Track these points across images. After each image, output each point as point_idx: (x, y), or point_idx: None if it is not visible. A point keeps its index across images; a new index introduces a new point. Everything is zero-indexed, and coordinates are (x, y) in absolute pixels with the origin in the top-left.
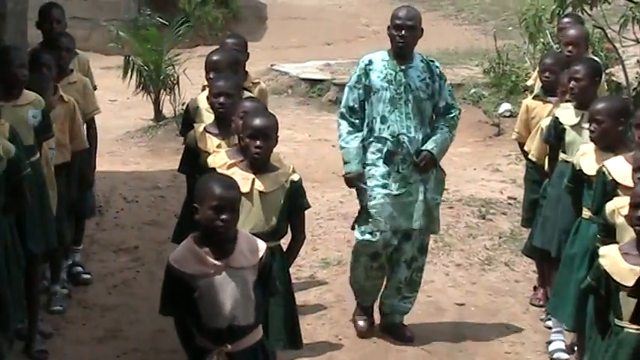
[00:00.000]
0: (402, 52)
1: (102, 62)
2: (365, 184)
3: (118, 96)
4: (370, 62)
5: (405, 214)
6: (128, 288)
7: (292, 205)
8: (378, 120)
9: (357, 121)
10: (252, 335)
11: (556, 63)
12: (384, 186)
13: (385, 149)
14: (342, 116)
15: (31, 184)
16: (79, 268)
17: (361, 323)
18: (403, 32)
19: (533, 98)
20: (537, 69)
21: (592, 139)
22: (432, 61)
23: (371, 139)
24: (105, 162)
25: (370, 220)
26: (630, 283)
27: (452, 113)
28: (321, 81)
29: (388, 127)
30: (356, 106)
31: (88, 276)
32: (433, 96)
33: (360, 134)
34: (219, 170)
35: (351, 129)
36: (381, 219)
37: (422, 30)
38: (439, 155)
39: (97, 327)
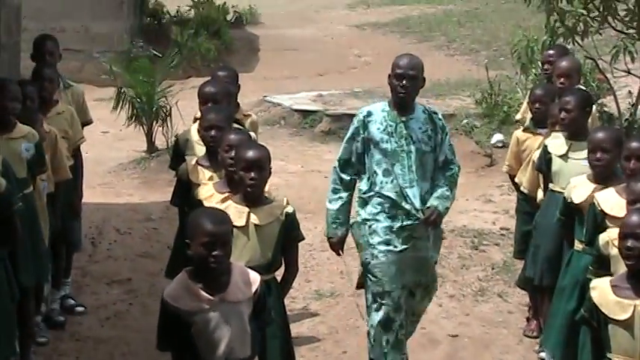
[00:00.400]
0: (403, 103)
1: (94, 94)
2: (342, 250)
3: (110, 128)
4: (369, 114)
5: (411, 269)
6: (121, 320)
7: (287, 238)
8: (380, 173)
9: (349, 177)
10: None
11: (546, 94)
12: (387, 242)
13: (388, 204)
14: (334, 170)
15: (23, 218)
16: (72, 301)
17: None
18: (404, 82)
19: (524, 130)
20: (527, 101)
21: (597, 169)
22: (435, 112)
23: (372, 193)
24: (98, 194)
25: (374, 279)
26: (618, 316)
27: (452, 170)
28: (313, 112)
29: (391, 181)
30: (353, 159)
31: (81, 308)
32: (435, 149)
33: (345, 195)
34: (213, 204)
35: (337, 186)
36: (386, 279)
37: (424, 79)
38: (444, 213)
39: None
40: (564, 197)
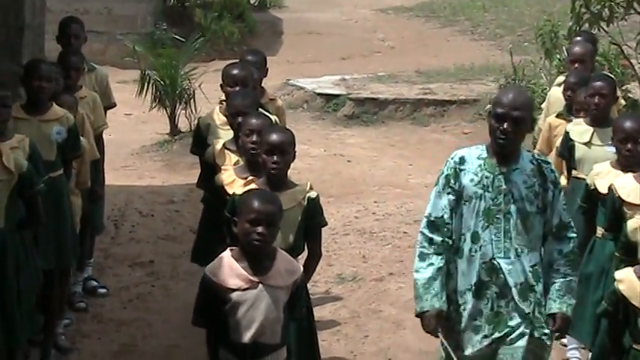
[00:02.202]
0: (503, 151)
1: (118, 76)
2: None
3: (133, 110)
4: (462, 160)
5: None
6: (143, 302)
7: (309, 223)
8: (468, 238)
9: (440, 239)
10: (276, 355)
11: (579, 82)
12: (475, 329)
13: (475, 278)
14: (421, 232)
15: (48, 200)
16: (94, 282)
17: None
18: (506, 126)
19: (557, 116)
20: (550, 93)
21: (628, 159)
22: (547, 162)
23: (457, 262)
24: (120, 176)
25: None
26: None
27: (570, 241)
28: (336, 96)
29: (480, 248)
30: (445, 216)
31: (104, 290)
32: (544, 209)
33: (436, 260)
34: (235, 189)
35: (425, 250)
36: None
37: (534, 120)
38: (571, 309)
39: (112, 341)
40: (587, 184)
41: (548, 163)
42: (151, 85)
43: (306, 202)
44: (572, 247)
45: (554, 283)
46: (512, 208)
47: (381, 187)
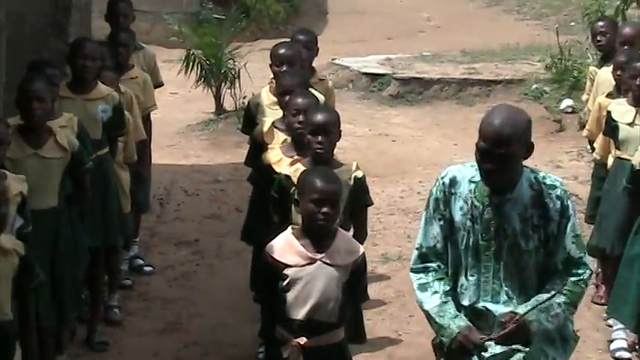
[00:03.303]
0: (495, 185)
1: (163, 55)
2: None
3: (179, 89)
4: (453, 182)
5: None
6: (188, 281)
7: (355, 202)
8: (462, 273)
9: (436, 264)
10: (332, 335)
11: (629, 61)
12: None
13: (466, 319)
14: (412, 266)
15: (95, 178)
16: (140, 261)
17: None
18: (488, 162)
19: (607, 96)
20: (588, 78)
21: None
22: (553, 187)
23: (451, 298)
24: (166, 155)
25: None
26: None
27: (579, 274)
28: (381, 75)
29: (468, 288)
30: (438, 245)
31: (149, 268)
32: (544, 245)
33: (441, 284)
34: (281, 167)
35: (424, 280)
36: None
37: (532, 145)
38: (537, 328)
39: (157, 319)
40: (632, 165)
41: (555, 187)
42: (196, 64)
43: (352, 182)
44: (579, 278)
45: (539, 297)
46: (504, 245)
47: (425, 167)
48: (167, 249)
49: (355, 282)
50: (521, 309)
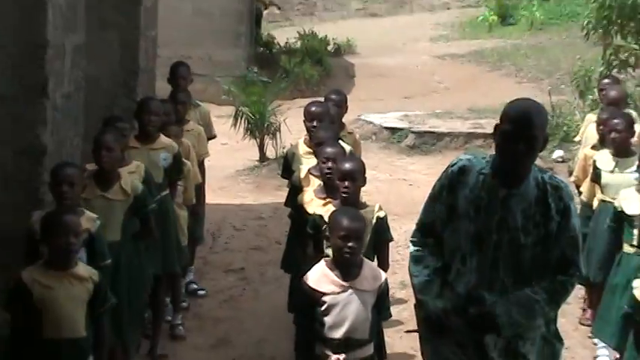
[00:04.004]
0: (507, 171)
1: (215, 111)
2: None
3: (228, 140)
4: (462, 171)
5: None
6: (235, 303)
7: (378, 238)
8: (458, 258)
9: (433, 239)
10: (365, 349)
11: (610, 118)
12: (462, 347)
13: (460, 303)
14: (412, 237)
15: (157, 216)
16: (195, 285)
17: None
18: (512, 145)
19: (592, 148)
20: (584, 125)
21: None
22: (557, 187)
23: (447, 281)
24: (217, 196)
25: None
26: None
27: (570, 274)
28: (400, 129)
29: (464, 275)
30: (437, 223)
31: (203, 292)
32: (543, 242)
33: (434, 259)
34: (314, 207)
35: (420, 252)
36: None
37: (546, 138)
38: (508, 323)
39: (210, 335)
40: (615, 207)
41: (560, 189)
42: (243, 119)
43: (375, 220)
44: (565, 279)
45: (519, 292)
46: (505, 237)
47: None
48: (218, 275)
49: (381, 303)
50: (498, 306)
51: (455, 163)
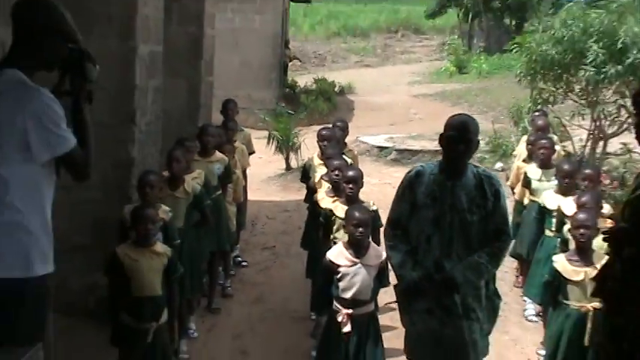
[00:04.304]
0: (452, 167)
1: (254, 134)
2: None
3: (263, 154)
4: (418, 175)
5: (447, 351)
6: (268, 272)
7: (373, 226)
8: (423, 241)
9: (401, 232)
10: (368, 307)
11: (536, 140)
12: (429, 311)
13: (416, 273)
14: (386, 229)
15: (212, 210)
16: (239, 259)
17: None
18: (453, 147)
19: (523, 161)
20: (519, 145)
21: (565, 187)
22: (489, 177)
23: (408, 258)
24: (255, 195)
25: (410, 348)
26: (575, 278)
27: (500, 239)
28: (386, 147)
29: (430, 250)
30: (402, 218)
31: (245, 263)
32: (484, 218)
33: (404, 246)
34: (326, 203)
35: (392, 243)
36: (419, 351)
37: (478, 142)
38: (465, 282)
39: (250, 295)
40: (539, 204)
41: (491, 177)
42: (274, 140)
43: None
44: (499, 244)
45: (468, 258)
46: (456, 218)
47: None
48: (255, 252)
49: (381, 274)
50: (455, 270)
51: (412, 171)
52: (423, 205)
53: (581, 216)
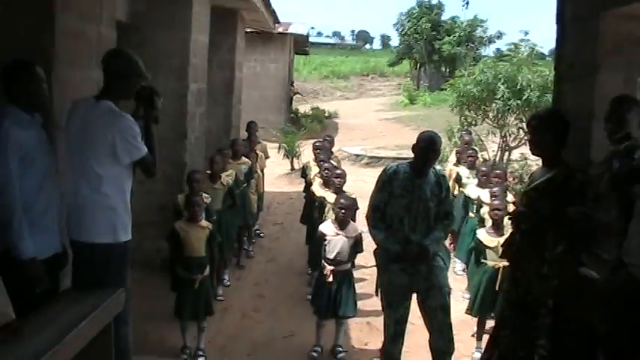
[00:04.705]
0: (421, 170)
1: (269, 145)
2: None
3: (275, 159)
4: (395, 172)
5: (424, 285)
6: (278, 240)
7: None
8: (396, 221)
9: (380, 216)
10: (345, 265)
11: (462, 151)
12: (402, 269)
13: (399, 248)
14: (369, 216)
15: (240, 198)
16: (258, 231)
17: None
18: (425, 155)
19: (453, 165)
20: (452, 154)
21: (484, 182)
22: (443, 176)
23: (390, 232)
24: (270, 187)
25: (386, 298)
26: (490, 245)
27: (448, 219)
28: (361, 155)
29: (402, 229)
30: (381, 205)
31: (262, 234)
32: (438, 204)
33: (385, 226)
34: (318, 193)
35: (376, 223)
36: (395, 299)
37: (440, 152)
38: (432, 248)
39: (265, 256)
40: (465, 194)
41: (444, 176)
42: (282, 149)
43: None
44: (448, 222)
45: (430, 234)
46: (422, 205)
47: None
48: (269, 226)
49: (357, 243)
50: (426, 241)
51: (390, 168)
52: (399, 195)
53: (496, 202)
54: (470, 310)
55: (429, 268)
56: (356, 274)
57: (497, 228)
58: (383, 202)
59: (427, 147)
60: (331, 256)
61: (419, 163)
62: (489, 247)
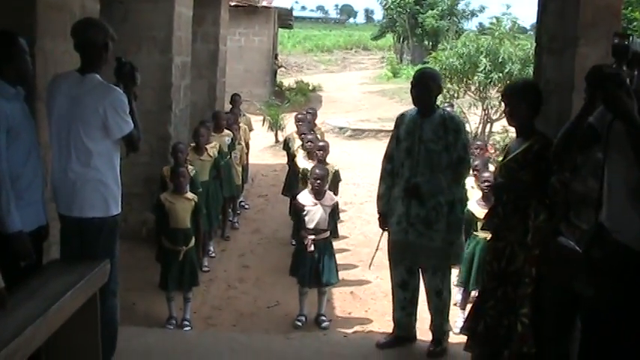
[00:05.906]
0: (419, 107)
1: (253, 118)
2: (385, 227)
3: (259, 132)
4: (402, 116)
5: (422, 254)
6: (262, 211)
7: (334, 180)
8: (398, 165)
9: (390, 167)
10: (325, 234)
11: None
12: (398, 223)
13: (402, 191)
14: (383, 161)
15: (224, 169)
16: (243, 202)
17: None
18: (416, 91)
19: None
20: None
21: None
22: (452, 117)
23: (396, 181)
24: (254, 159)
25: (390, 249)
26: (480, 216)
27: (462, 165)
28: (344, 127)
29: (403, 174)
30: (392, 152)
31: (247, 206)
32: (447, 149)
33: (389, 180)
34: (301, 164)
35: (382, 174)
36: (395, 251)
37: (439, 87)
38: (427, 191)
39: (250, 227)
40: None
41: (453, 117)
42: (267, 121)
43: (333, 171)
44: (459, 169)
45: (434, 177)
46: (422, 147)
47: (362, 165)
48: (254, 198)
49: (334, 211)
50: (419, 179)
51: (400, 115)
52: (403, 138)
53: (486, 174)
54: (462, 283)
55: (430, 235)
56: (338, 244)
57: (488, 199)
58: (393, 148)
59: (416, 83)
60: (311, 225)
61: (414, 101)
62: (480, 219)
